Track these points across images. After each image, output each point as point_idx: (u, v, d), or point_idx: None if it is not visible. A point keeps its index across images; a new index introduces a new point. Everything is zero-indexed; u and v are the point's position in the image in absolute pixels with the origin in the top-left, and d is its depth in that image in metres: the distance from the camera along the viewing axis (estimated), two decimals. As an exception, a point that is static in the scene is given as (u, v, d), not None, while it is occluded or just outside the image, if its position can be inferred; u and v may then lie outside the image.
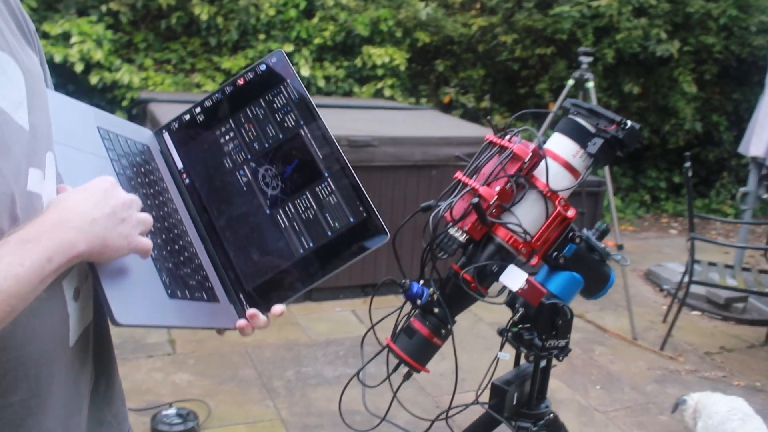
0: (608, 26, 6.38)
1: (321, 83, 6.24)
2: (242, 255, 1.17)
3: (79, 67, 5.36)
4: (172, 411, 2.78)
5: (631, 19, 6.23)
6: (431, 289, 1.69)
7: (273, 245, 1.16)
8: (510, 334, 1.81)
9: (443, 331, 1.69)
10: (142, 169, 1.19)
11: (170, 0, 5.78)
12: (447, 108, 6.91)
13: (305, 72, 6.12)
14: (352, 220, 1.16)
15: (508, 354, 1.78)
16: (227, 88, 1.26)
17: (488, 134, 1.83)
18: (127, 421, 1.22)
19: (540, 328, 1.76)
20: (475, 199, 1.60)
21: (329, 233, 1.15)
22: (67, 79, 5.55)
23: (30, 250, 0.77)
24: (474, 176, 1.71)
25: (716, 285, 4.01)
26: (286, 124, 1.21)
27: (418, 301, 1.68)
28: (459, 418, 2.02)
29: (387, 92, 6.45)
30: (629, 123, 1.65)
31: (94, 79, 5.48)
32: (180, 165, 1.25)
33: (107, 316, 0.88)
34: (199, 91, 5.91)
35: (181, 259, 1.10)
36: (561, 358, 1.82)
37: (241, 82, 1.25)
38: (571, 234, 1.71)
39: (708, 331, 4.33)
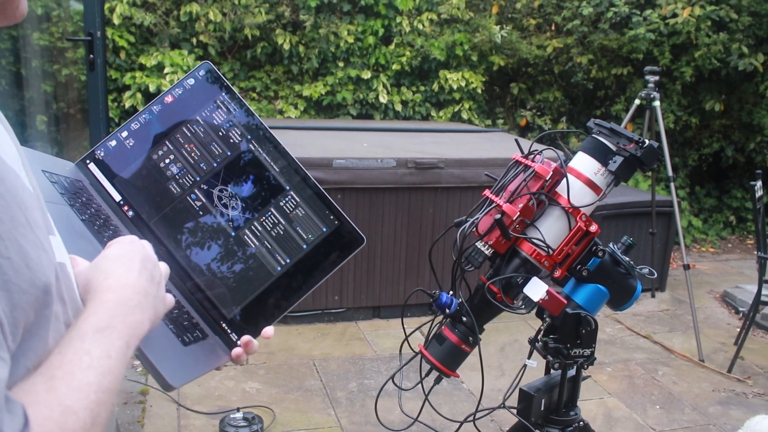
0: (686, 43, 6.31)
1: (398, 108, 6.43)
2: (215, 284, 1.10)
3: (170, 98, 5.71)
4: (239, 415, 2.98)
5: (710, 34, 6.15)
6: (459, 299, 1.82)
7: (247, 268, 1.11)
8: (539, 343, 1.92)
9: (471, 339, 1.81)
10: (92, 209, 1.10)
11: (255, 31, 6.08)
12: (524, 131, 6.97)
13: (382, 98, 6.33)
14: (325, 230, 1.13)
15: (535, 362, 1.88)
16: (155, 107, 1.16)
17: (515, 154, 1.95)
18: None
19: (565, 337, 1.84)
20: (498, 216, 1.72)
21: (304, 246, 1.12)
22: (159, 108, 5.94)
23: (110, 339, 0.71)
24: (500, 193, 1.83)
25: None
26: (231, 140, 1.14)
27: (447, 310, 1.81)
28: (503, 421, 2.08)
29: (464, 115, 6.57)
30: (647, 142, 1.74)
31: (183, 108, 5.84)
32: (117, 197, 1.15)
33: (159, 382, 0.89)
34: (282, 117, 6.19)
35: None
36: (586, 366, 1.91)
37: (169, 99, 1.16)
38: (594, 248, 1.80)
39: (784, 354, 4.24)
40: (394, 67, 6.46)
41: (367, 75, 6.32)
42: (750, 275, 5.66)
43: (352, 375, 3.60)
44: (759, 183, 3.88)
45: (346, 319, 4.30)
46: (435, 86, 6.56)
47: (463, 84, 6.47)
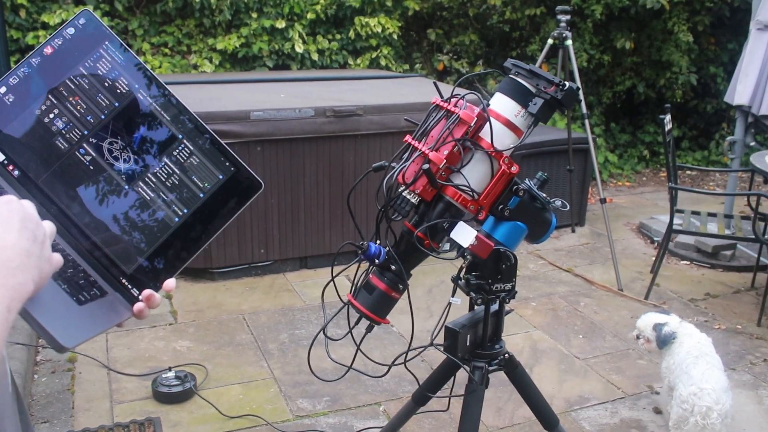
0: (596, -18, 6.40)
1: (315, 57, 6.35)
2: (111, 238, 1.07)
3: (76, 55, 5.49)
4: (171, 374, 2.96)
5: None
6: (387, 248, 1.83)
7: (143, 220, 1.09)
8: (461, 281, 1.97)
9: (400, 286, 1.83)
10: None
11: (163, -17, 5.88)
12: (441, 75, 6.98)
13: (298, 48, 6.23)
14: (221, 177, 1.11)
15: (459, 299, 1.92)
16: (34, 60, 1.10)
17: (435, 98, 1.95)
18: None
19: (486, 273, 1.89)
20: (426, 165, 1.72)
21: (201, 195, 1.10)
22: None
23: None
24: (423, 139, 1.82)
25: (694, 233, 4.09)
26: (118, 90, 1.10)
27: (376, 260, 1.82)
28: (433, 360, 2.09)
29: (382, 62, 6.54)
30: (567, 84, 1.75)
31: (92, 66, 5.62)
32: (0, 157, 1.08)
33: (51, 345, 0.86)
34: (197, 72, 6.03)
35: None
36: (508, 300, 1.96)
37: (48, 51, 1.09)
38: (515, 187, 1.83)
39: (695, 280, 4.45)
40: (309, 15, 6.36)
41: (281, 24, 6.20)
42: (663, 206, 5.88)
43: (283, 326, 3.61)
44: (668, 117, 4.02)
45: (273, 271, 4.30)
46: (351, 33, 6.49)
47: (379, 30, 6.42)
